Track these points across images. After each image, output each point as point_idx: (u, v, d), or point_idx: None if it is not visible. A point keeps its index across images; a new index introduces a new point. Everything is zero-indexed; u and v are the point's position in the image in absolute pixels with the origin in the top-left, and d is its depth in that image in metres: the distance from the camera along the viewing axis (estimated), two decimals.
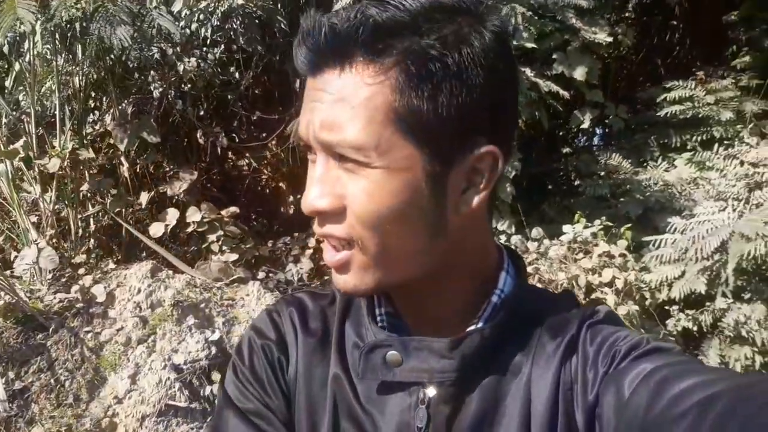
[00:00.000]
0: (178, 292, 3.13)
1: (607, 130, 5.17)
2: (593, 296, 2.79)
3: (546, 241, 3.22)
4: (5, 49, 3.35)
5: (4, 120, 3.43)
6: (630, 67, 5.57)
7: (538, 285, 2.92)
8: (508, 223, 3.59)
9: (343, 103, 0.57)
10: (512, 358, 0.67)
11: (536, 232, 3.18)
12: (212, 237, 3.48)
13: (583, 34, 3.75)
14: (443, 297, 0.68)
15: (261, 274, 3.50)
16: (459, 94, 0.58)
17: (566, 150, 5.46)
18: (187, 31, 3.28)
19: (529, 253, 3.13)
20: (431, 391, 0.66)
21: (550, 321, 0.69)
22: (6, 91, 3.60)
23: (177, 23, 3.13)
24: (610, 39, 3.76)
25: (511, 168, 3.58)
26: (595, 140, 5.86)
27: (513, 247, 3.32)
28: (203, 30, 3.26)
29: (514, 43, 3.54)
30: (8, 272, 3.22)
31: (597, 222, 3.12)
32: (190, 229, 3.53)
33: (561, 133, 5.51)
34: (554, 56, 3.88)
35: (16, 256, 3.20)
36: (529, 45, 3.64)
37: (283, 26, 3.42)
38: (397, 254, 0.62)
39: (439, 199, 0.61)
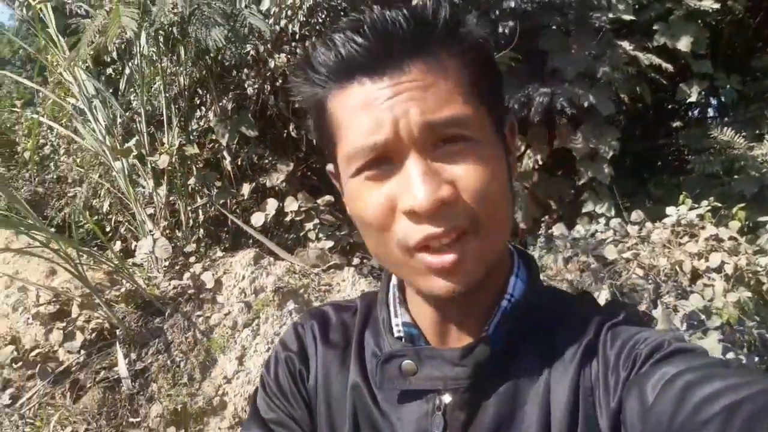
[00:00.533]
0: (279, 279, 3.26)
1: (722, 99, 4.81)
2: (699, 282, 2.63)
3: (648, 224, 3.06)
4: (114, 55, 3.60)
5: (119, 120, 3.70)
6: (746, 31, 5.11)
7: (638, 271, 2.80)
8: (606, 206, 3.45)
9: (437, 86, 0.58)
10: (529, 364, 0.67)
11: (636, 215, 3.03)
12: (309, 225, 3.61)
13: (687, 2, 3.50)
14: (462, 302, 0.68)
15: (356, 261, 3.57)
16: (499, 73, 0.67)
17: (677, 124, 5.13)
18: (277, 27, 3.39)
19: (630, 238, 2.99)
20: (447, 398, 0.67)
21: (567, 324, 0.68)
22: (119, 93, 3.88)
23: (267, 21, 3.24)
24: (717, 5, 3.48)
25: (608, 148, 3.44)
26: (710, 112, 5.46)
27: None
28: (291, 26, 3.35)
29: (610, 15, 3.37)
30: (130, 261, 3.50)
31: (704, 203, 2.92)
32: (288, 218, 3.67)
33: (670, 107, 5.19)
34: (655, 27, 3.66)
35: (135, 247, 3.48)
36: (627, 17, 3.45)
37: None
38: (503, 226, 0.64)
39: (508, 167, 0.66)
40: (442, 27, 0.59)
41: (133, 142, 3.57)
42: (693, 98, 3.83)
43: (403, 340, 0.72)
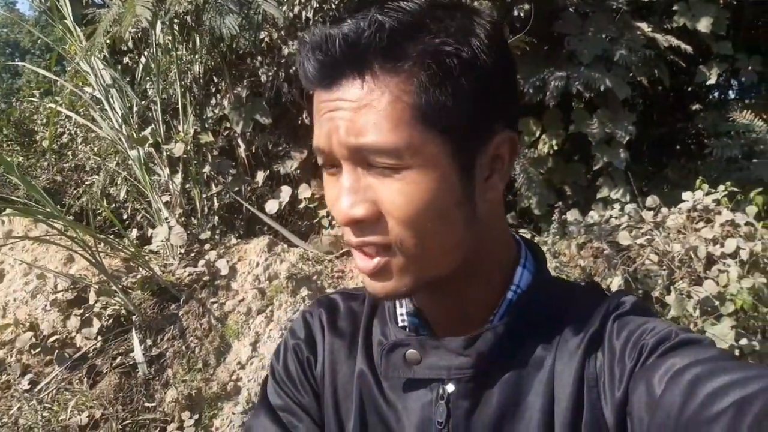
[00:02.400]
0: (293, 265, 3.29)
1: (742, 81, 4.70)
2: (714, 268, 2.59)
3: (664, 210, 3.02)
4: (130, 44, 3.61)
5: (135, 109, 3.73)
6: None
7: (652, 257, 2.76)
8: (621, 192, 3.41)
9: (368, 108, 0.57)
10: (533, 354, 0.67)
11: (651, 200, 2.99)
12: (322, 212, 3.62)
13: None
14: (463, 294, 0.69)
15: None
16: (475, 85, 0.59)
17: (696, 107, 5.03)
18: (290, 14, 3.37)
19: (644, 223, 2.95)
20: (450, 387, 0.68)
21: (572, 315, 0.68)
22: (135, 82, 3.91)
23: (280, 8, 3.23)
24: None
25: (624, 132, 3.39)
26: (731, 95, 5.34)
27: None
28: (304, 12, 3.34)
29: None
30: (146, 248, 3.54)
31: (721, 188, 2.87)
32: (302, 205, 3.69)
33: (689, 90, 5.09)
34: (675, 8, 3.58)
35: (152, 234, 3.52)
36: None
37: None
38: (436, 250, 0.62)
39: (470, 189, 0.62)
40: (376, 46, 0.57)
41: (148, 130, 3.59)
42: (712, 80, 3.74)
43: (407, 329, 0.72)
